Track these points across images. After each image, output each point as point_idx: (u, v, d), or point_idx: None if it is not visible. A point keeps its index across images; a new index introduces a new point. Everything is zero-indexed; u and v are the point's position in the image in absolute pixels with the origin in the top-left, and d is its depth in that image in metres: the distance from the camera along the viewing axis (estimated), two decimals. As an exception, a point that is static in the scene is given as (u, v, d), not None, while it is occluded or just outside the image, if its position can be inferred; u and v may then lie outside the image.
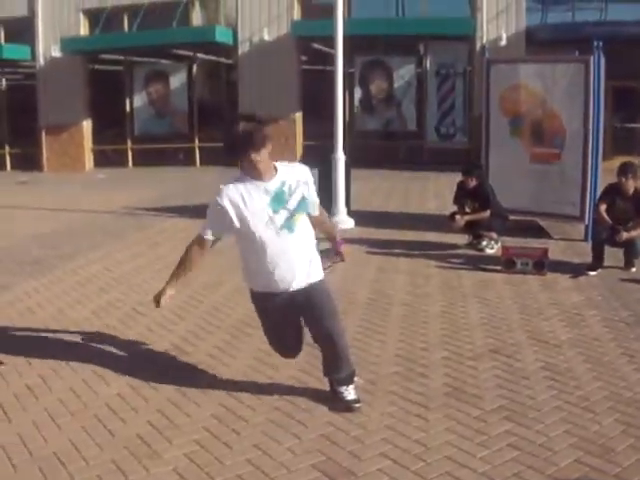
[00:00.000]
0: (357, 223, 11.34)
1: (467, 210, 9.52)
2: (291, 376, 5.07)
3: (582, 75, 9.35)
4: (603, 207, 8.11)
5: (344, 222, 11.29)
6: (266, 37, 21.35)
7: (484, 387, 4.84)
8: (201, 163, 22.34)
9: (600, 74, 9.33)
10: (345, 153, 11.66)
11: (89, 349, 5.79)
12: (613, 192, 8.13)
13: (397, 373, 5.12)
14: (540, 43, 18.76)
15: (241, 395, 4.75)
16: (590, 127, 9.37)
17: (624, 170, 8.02)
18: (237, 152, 4.28)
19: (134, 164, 23.08)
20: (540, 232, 10.42)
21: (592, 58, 9.30)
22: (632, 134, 19.69)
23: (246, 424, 4.31)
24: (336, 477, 3.67)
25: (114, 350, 5.75)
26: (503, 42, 19.54)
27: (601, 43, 9.30)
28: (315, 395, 4.72)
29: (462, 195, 9.63)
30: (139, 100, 23.49)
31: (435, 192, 15.92)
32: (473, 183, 9.39)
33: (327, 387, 4.74)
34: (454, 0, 21.08)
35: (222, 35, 21.21)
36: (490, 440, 4.05)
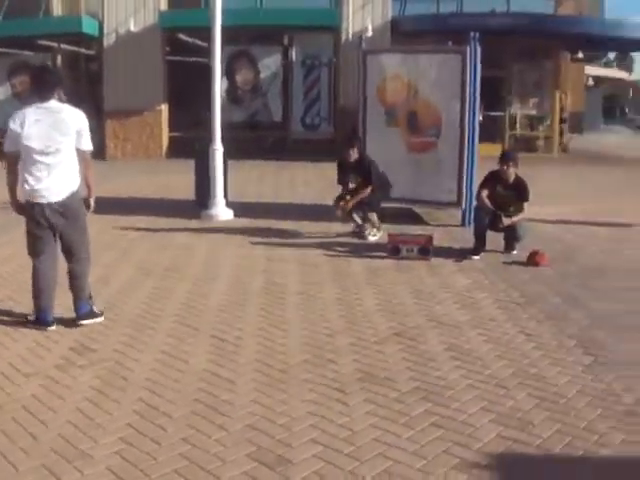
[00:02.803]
0: (236, 214, 11.27)
1: (352, 186, 9.50)
2: (203, 369, 5.00)
3: (459, 66, 9.64)
4: (485, 193, 8.41)
5: (223, 213, 11.20)
6: (132, 28, 20.89)
7: (395, 370, 4.94)
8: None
9: (477, 64, 9.67)
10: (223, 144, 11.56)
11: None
12: (494, 179, 8.46)
13: (307, 361, 5.13)
14: (405, 34, 19.30)
15: (158, 389, 4.65)
16: (466, 116, 9.69)
17: (505, 158, 8.36)
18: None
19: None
20: (416, 219, 10.74)
21: (468, 49, 9.61)
22: (495, 122, 20.59)
23: (169, 419, 4.21)
24: (273, 466, 3.65)
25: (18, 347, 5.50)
26: (369, 33, 19.90)
27: (477, 34, 9.61)
28: (230, 386, 4.68)
29: (344, 171, 9.58)
30: (2, 92, 22.45)
31: (304, 181, 16.14)
32: (355, 155, 9.36)
33: (244, 377, 4.74)
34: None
35: (88, 26, 20.63)
36: (412, 420, 4.14)
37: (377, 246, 8.92)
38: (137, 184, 15.51)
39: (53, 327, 5.89)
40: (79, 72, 23.37)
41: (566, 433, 3.97)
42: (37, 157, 5.67)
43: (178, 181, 15.07)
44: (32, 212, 5.78)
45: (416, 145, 10.34)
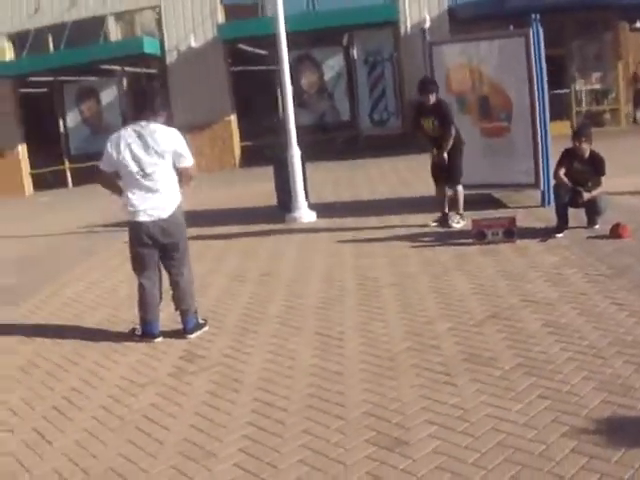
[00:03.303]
0: (319, 215, 11.59)
1: (428, 129, 9.57)
2: (311, 364, 5.30)
3: (523, 48, 9.76)
4: (562, 171, 8.52)
5: (307, 216, 11.52)
6: (193, 44, 21.44)
7: (497, 349, 5.15)
8: (141, 176, 22.30)
9: (540, 46, 9.77)
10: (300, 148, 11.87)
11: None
12: (570, 156, 8.56)
13: (410, 348, 5.39)
14: (462, 21, 19.33)
15: (271, 387, 4.96)
16: (536, 97, 9.79)
17: (579, 134, 8.46)
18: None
19: (74, 184, 22.94)
20: (496, 203, 10.85)
21: (531, 31, 9.71)
22: (560, 100, 20.41)
23: (286, 413, 4.52)
24: (392, 448, 3.92)
25: (128, 360, 5.89)
26: (427, 24, 20.01)
27: (538, 16, 9.71)
28: (340, 378, 4.96)
29: (420, 114, 9.66)
30: (72, 119, 23.35)
31: (380, 177, 16.35)
32: (432, 99, 9.45)
33: (352, 369, 5.03)
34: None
35: (149, 46, 21.26)
36: (519, 395, 4.36)
37: (461, 233, 9.11)
38: (216, 196, 15.97)
39: (160, 339, 6.27)
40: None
41: (669, 395, 4.15)
42: (135, 178, 6.01)
43: (257, 188, 15.52)
44: (136, 231, 6.14)
45: (489, 130, 10.48)
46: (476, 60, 10.40)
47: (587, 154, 8.47)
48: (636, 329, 5.23)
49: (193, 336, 6.27)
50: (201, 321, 6.45)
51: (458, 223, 9.61)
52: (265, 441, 4.17)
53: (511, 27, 10.74)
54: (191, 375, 5.41)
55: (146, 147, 5.94)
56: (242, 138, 22.43)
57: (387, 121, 22.20)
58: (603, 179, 8.49)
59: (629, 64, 22.01)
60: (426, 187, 12.56)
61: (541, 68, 9.80)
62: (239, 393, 4.95)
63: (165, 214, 6.06)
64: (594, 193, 8.37)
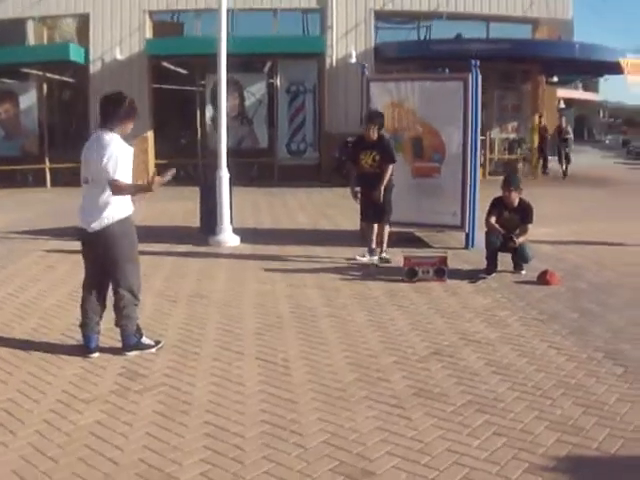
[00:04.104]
0: (242, 240, 11.54)
1: (365, 165, 9.54)
2: (260, 390, 5.28)
3: (461, 92, 10.05)
4: (493, 219, 8.81)
5: (231, 240, 11.46)
6: (118, 56, 21.14)
7: (445, 386, 5.27)
8: (52, 184, 21.76)
9: (477, 91, 10.09)
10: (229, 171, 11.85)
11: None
12: (500, 205, 8.86)
13: (359, 379, 5.44)
14: (388, 60, 19.78)
15: (222, 412, 4.90)
16: (469, 142, 10.09)
17: (507, 184, 8.80)
18: None
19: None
20: (418, 242, 11.08)
21: (470, 76, 10.03)
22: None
23: (243, 439, 4.48)
24: (360, 478, 3.95)
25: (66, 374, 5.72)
26: (353, 59, 20.37)
27: (478, 62, 10.04)
28: (293, 406, 4.96)
29: (359, 148, 9.67)
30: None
31: (299, 207, 16.47)
32: (375, 134, 9.49)
33: (304, 397, 5.02)
34: (304, 18, 21.81)
35: (75, 53, 20.85)
36: (476, 431, 4.47)
37: (390, 269, 9.24)
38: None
39: (96, 354, 6.13)
40: (66, 100, 23.60)
41: (618, 436, 4.34)
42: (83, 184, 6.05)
43: (174, 208, 15.35)
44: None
45: (420, 170, 10.72)
46: (412, 99, 10.64)
47: (516, 202, 8.78)
48: (577, 373, 5.46)
49: (130, 354, 6.15)
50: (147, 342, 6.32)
51: (364, 257, 9.71)
52: (226, 466, 4.11)
53: (447, 70, 11.06)
54: (136, 394, 5.28)
55: (94, 152, 5.93)
56: (157, 156, 22.16)
57: (304, 152, 22.37)
58: (530, 226, 8.81)
59: (542, 116, 22.90)
60: (346, 220, 12.80)
61: (476, 113, 10.11)
62: (189, 415, 4.85)
63: (93, 227, 6.03)
64: (521, 239, 8.68)
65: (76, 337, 6.41)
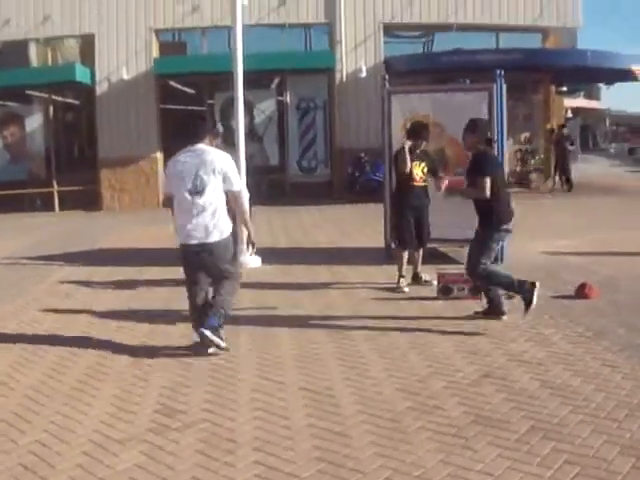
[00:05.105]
0: (264, 261, 11.31)
1: (414, 176, 9.19)
2: (308, 424, 5.05)
3: (485, 103, 9.84)
4: None
5: (251, 261, 11.20)
6: (125, 76, 20.99)
7: (503, 411, 5.04)
8: (60, 208, 21.58)
9: (502, 101, 9.87)
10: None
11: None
12: None
13: (412, 408, 5.19)
14: (397, 73, 19.59)
15: (271, 449, 4.68)
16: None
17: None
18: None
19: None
20: (445, 258, 10.83)
21: (495, 86, 9.83)
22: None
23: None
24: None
25: None
26: (363, 74, 20.21)
27: (502, 72, 9.84)
28: (346, 440, 4.73)
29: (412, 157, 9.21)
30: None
31: (314, 224, 16.30)
32: (422, 146, 9.19)
33: (356, 429, 4.79)
34: (312, 33, 21.68)
35: (81, 74, 20.69)
36: (546, 460, 4.24)
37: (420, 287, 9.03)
38: (149, 234, 15.41)
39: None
40: (73, 122, 23.54)
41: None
42: (187, 196, 6.39)
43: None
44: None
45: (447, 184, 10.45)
46: (434, 111, 10.42)
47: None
48: (638, 392, 5.23)
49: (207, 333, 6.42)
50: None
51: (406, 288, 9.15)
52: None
53: (467, 81, 10.86)
54: (175, 431, 5.02)
55: (199, 165, 6.52)
56: (167, 176, 21.97)
57: (315, 169, 22.18)
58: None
59: (554, 125, 22.66)
60: (364, 237, 12.59)
61: (502, 123, 9.90)
62: (235, 455, 4.55)
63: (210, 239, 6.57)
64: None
65: (102, 370, 6.24)
